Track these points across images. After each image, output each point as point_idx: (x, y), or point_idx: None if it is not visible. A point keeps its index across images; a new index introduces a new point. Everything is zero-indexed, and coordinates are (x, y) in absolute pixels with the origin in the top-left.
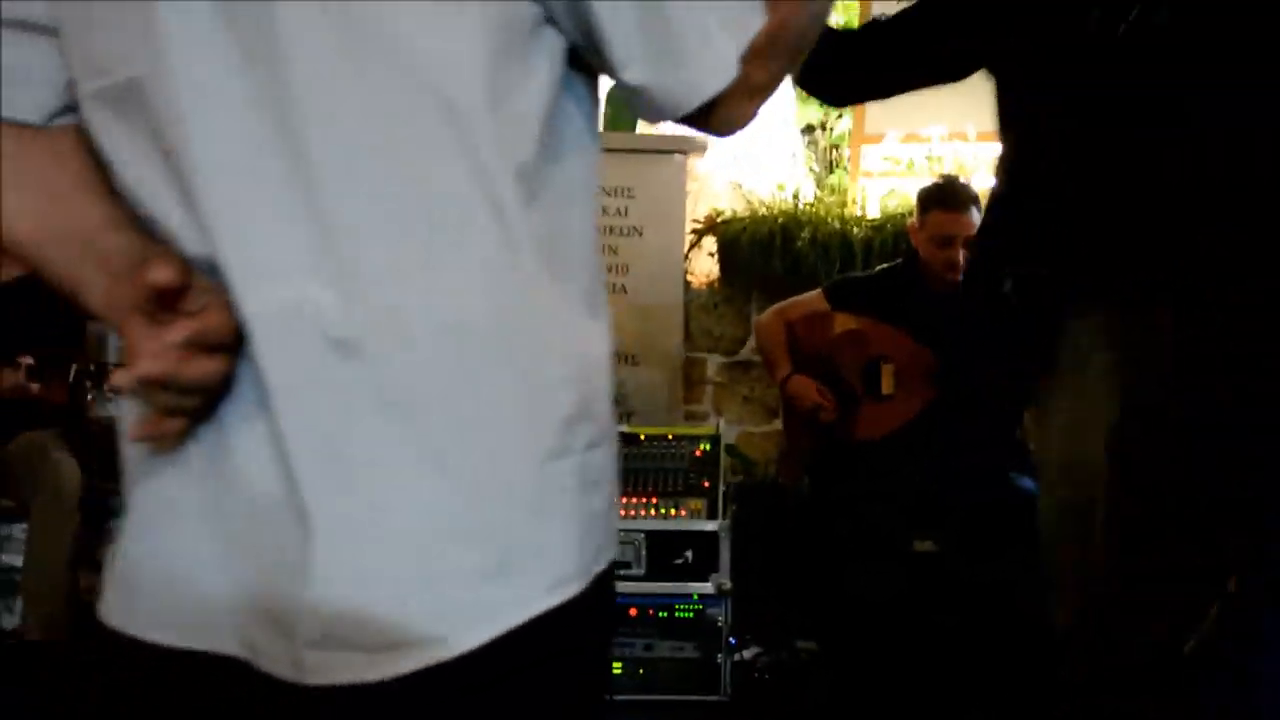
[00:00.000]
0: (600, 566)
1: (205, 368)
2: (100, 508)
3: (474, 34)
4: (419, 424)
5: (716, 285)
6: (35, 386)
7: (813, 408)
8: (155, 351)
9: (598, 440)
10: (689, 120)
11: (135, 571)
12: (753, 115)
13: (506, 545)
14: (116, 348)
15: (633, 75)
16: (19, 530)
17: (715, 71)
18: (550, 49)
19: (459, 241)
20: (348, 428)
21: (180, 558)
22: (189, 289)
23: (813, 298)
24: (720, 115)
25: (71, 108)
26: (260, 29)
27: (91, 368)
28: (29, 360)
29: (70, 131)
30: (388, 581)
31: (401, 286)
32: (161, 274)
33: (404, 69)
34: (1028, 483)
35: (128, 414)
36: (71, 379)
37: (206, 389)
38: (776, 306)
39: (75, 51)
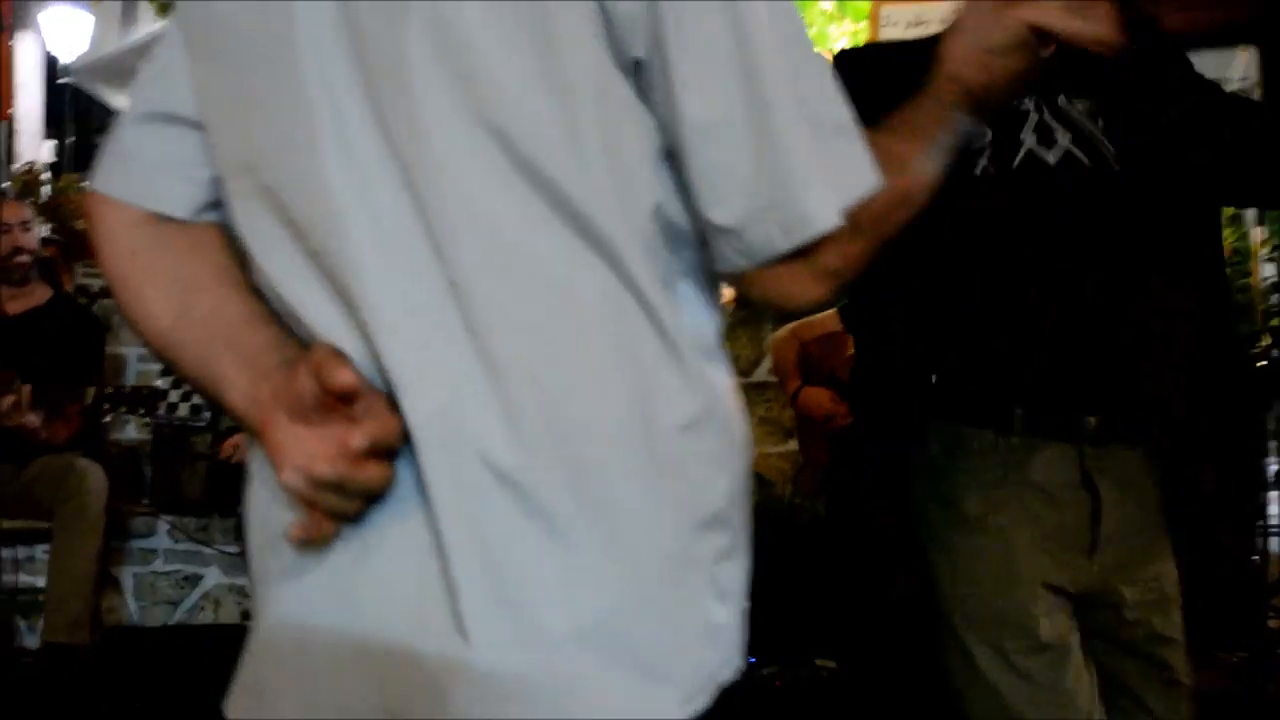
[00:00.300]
0: (725, 678)
1: (378, 472)
2: (119, 528)
3: (609, 158)
4: (571, 537)
5: (732, 307)
6: (34, 419)
7: (825, 417)
8: (332, 455)
9: (731, 550)
10: (755, 289)
11: (261, 677)
12: (820, 301)
13: (644, 660)
14: (135, 371)
15: (723, 213)
16: (41, 551)
17: (818, 214)
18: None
19: (616, 351)
20: (503, 538)
21: (311, 662)
22: (362, 392)
23: (827, 317)
24: (788, 288)
25: (217, 204)
26: (414, 139)
27: (109, 390)
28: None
29: (213, 227)
30: (533, 696)
31: (558, 401)
32: (344, 377)
33: (544, 185)
34: None
35: (260, 506)
36: (89, 402)
37: (376, 494)
38: (791, 325)
39: (223, 148)
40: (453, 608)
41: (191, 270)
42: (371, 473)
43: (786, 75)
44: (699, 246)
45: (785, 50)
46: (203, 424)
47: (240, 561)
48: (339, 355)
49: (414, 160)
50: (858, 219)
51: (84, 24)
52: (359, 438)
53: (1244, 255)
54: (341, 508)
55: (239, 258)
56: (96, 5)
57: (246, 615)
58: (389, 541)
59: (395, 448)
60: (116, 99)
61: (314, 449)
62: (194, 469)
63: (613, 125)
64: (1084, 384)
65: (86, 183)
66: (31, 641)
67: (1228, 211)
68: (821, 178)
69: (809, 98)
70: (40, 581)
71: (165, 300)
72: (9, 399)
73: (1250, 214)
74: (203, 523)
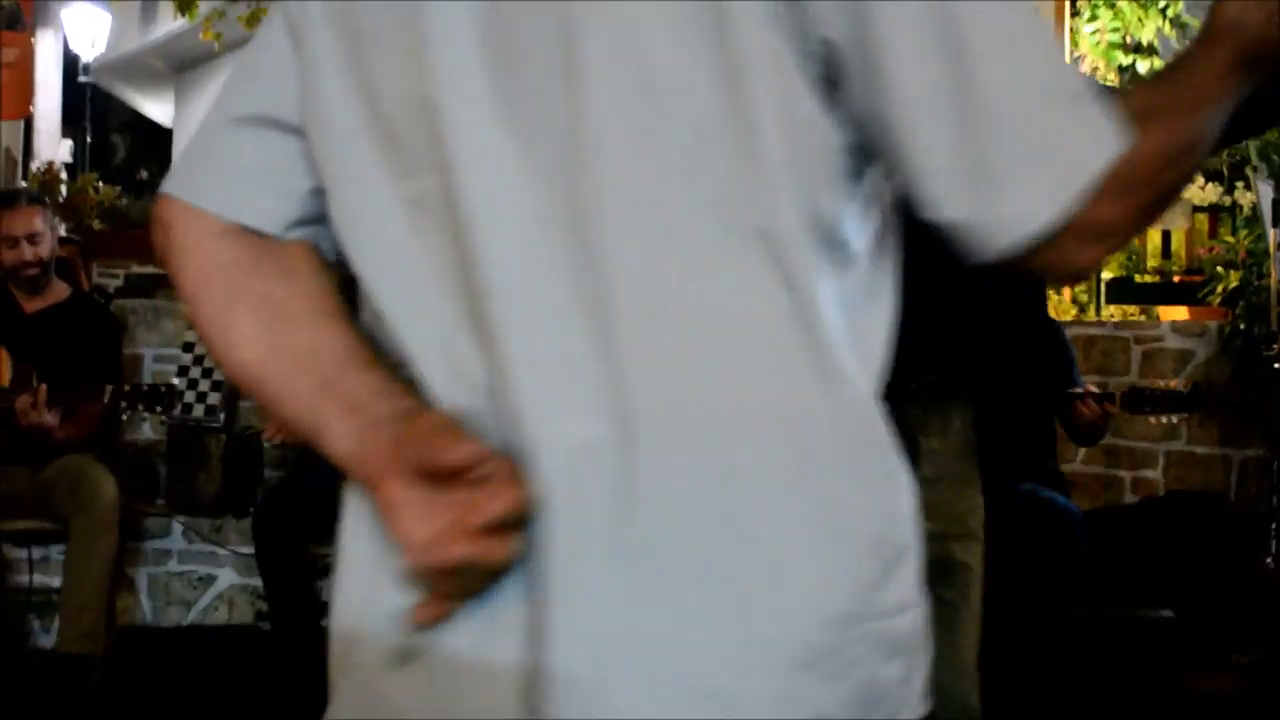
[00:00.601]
0: None
1: (503, 550)
2: (134, 528)
3: (783, 161)
4: (711, 608)
5: None
6: (50, 418)
7: None
8: (458, 535)
9: (904, 604)
10: (1014, 261)
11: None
12: (1097, 261)
13: None
14: (151, 371)
15: (942, 212)
16: (57, 552)
17: (1033, 209)
18: (877, 189)
19: (782, 394)
20: (620, 590)
21: None
22: (482, 460)
23: None
24: (1051, 258)
25: (310, 220)
26: (573, 131)
27: (126, 389)
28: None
29: (304, 247)
30: None
31: (710, 453)
32: (460, 453)
33: (712, 195)
34: (1058, 497)
35: (362, 573)
36: (107, 400)
37: (500, 572)
38: None
39: (342, 150)
40: (534, 686)
41: (283, 297)
42: (498, 552)
43: (1001, 46)
44: (872, 269)
45: (999, 18)
46: (218, 424)
47: (253, 563)
48: (453, 426)
49: (572, 156)
50: (1121, 179)
51: (103, 23)
52: (480, 516)
53: (1259, 257)
54: (466, 589)
55: (332, 283)
56: (115, 4)
57: (260, 616)
58: (482, 618)
59: (525, 519)
60: (134, 98)
61: (435, 527)
62: (209, 469)
63: (792, 124)
64: (910, 353)
65: (96, 181)
66: (46, 642)
67: (1243, 214)
68: (1042, 160)
69: (1029, 71)
70: (55, 582)
71: (254, 328)
72: (25, 398)
73: (1267, 216)
74: (217, 523)
